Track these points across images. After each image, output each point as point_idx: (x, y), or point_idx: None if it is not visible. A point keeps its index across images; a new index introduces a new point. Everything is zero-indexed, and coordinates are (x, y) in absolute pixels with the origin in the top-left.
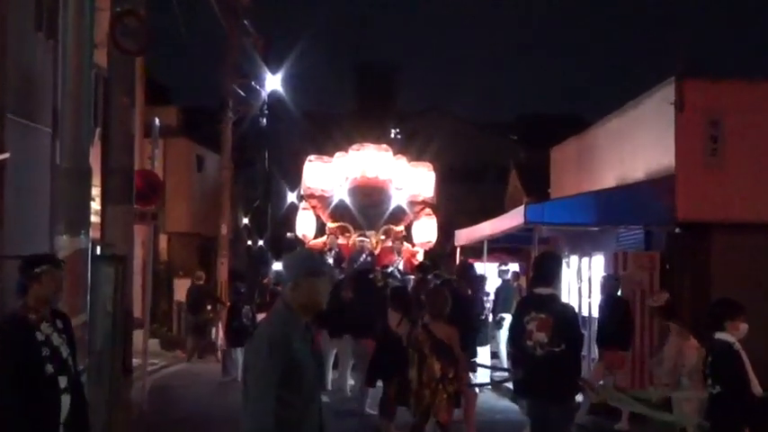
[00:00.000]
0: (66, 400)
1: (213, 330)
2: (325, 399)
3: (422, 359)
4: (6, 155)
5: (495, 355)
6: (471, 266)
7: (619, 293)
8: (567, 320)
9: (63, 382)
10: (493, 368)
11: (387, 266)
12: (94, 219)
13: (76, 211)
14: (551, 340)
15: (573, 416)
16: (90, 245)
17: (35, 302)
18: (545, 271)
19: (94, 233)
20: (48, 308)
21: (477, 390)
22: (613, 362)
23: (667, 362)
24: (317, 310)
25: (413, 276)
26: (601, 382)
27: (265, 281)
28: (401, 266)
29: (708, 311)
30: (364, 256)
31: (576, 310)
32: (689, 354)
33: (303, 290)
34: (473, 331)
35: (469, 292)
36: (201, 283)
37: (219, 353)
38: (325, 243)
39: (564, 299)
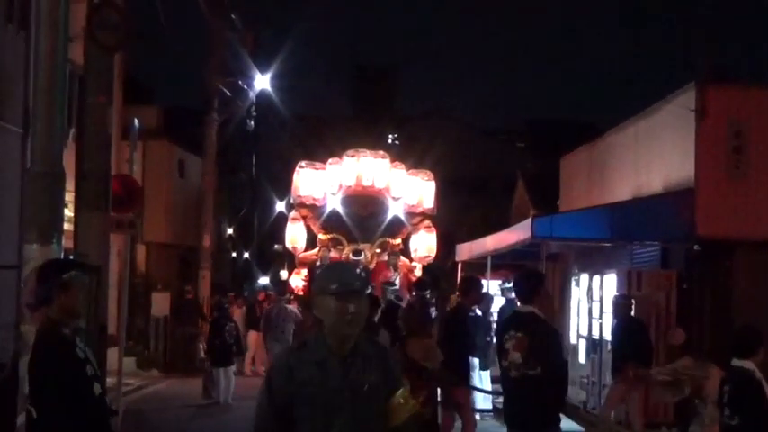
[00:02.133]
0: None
1: (201, 347)
2: None
3: None
4: None
5: (496, 379)
6: (478, 282)
7: (632, 315)
8: (543, 341)
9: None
10: (483, 391)
11: (390, 282)
12: (67, 226)
13: (48, 217)
14: (526, 361)
15: None
16: (62, 254)
17: (61, 315)
18: (524, 288)
19: (67, 242)
20: (76, 321)
21: (477, 416)
22: (631, 379)
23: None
24: (339, 334)
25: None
26: (611, 414)
27: (261, 297)
28: (398, 282)
29: (736, 337)
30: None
31: (559, 332)
32: (712, 384)
33: (318, 309)
34: (470, 354)
35: (476, 311)
36: (190, 297)
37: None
38: (316, 256)
39: (573, 319)
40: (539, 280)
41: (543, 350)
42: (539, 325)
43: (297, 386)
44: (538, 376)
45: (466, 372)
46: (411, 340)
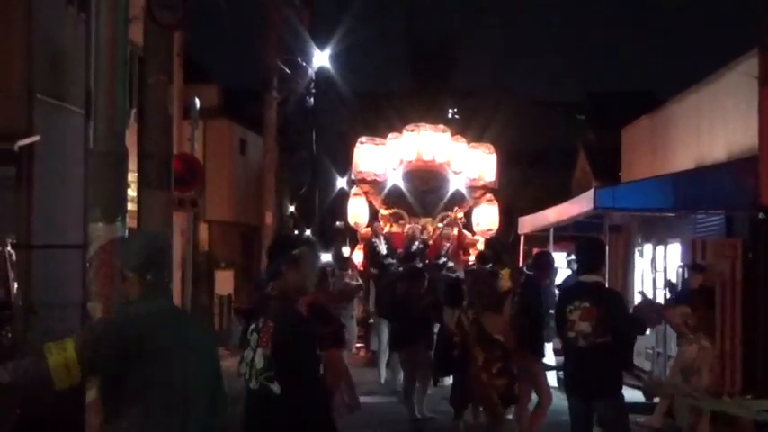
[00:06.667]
0: None
1: None
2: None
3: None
4: (36, 138)
5: (558, 352)
6: (550, 257)
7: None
8: (611, 309)
9: None
10: (550, 368)
11: (438, 257)
12: (131, 206)
13: (112, 196)
14: (595, 330)
15: (624, 411)
16: (127, 232)
17: (289, 290)
18: (588, 258)
19: (131, 221)
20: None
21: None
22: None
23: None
24: None
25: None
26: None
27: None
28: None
29: None
30: (417, 244)
31: (625, 298)
32: (690, 349)
33: None
34: (540, 329)
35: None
36: None
37: None
38: (372, 231)
39: (637, 290)
40: (601, 249)
41: (612, 318)
42: (605, 293)
43: None
44: (607, 344)
45: (540, 347)
46: (486, 314)
